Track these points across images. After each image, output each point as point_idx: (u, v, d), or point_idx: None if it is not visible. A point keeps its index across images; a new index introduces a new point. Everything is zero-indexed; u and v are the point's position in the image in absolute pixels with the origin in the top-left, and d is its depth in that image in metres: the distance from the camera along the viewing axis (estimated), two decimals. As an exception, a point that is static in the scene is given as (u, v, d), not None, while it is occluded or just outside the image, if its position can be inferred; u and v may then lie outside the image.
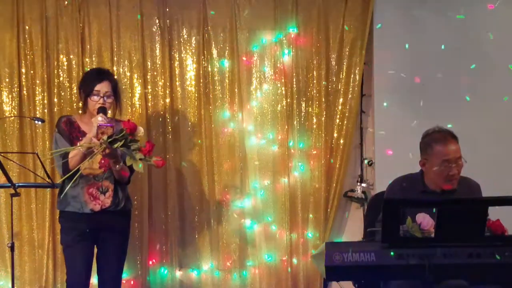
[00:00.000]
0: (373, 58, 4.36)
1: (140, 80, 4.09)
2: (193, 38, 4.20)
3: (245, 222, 4.29)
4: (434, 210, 2.50)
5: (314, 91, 4.33)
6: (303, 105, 4.34)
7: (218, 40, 4.24)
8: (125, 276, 3.85)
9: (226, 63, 4.25)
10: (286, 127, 4.30)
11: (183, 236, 4.21)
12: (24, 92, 3.98)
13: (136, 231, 4.04)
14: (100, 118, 3.03)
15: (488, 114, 4.29)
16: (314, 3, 4.31)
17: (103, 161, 3.05)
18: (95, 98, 3.16)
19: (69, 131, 3.20)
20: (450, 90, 4.33)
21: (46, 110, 3.97)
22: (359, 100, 4.40)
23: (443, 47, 4.31)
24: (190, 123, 4.21)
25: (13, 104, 3.97)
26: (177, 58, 4.19)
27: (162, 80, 4.15)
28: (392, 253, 2.41)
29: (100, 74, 3.25)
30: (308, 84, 4.34)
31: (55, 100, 4.00)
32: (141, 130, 3.02)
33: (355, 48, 4.32)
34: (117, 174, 3.17)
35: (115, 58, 4.08)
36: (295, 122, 4.32)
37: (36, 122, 3.69)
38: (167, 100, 4.14)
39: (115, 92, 3.25)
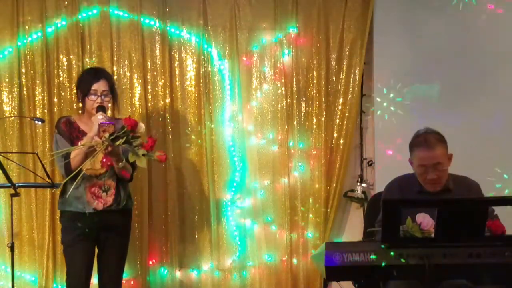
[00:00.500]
0: (373, 58, 4.36)
1: (140, 80, 4.09)
2: (193, 38, 4.20)
3: (245, 222, 4.29)
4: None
5: (314, 91, 4.33)
6: (303, 105, 4.34)
7: (218, 40, 4.24)
8: (125, 276, 3.84)
9: (226, 63, 4.25)
10: (286, 127, 4.30)
11: (183, 236, 4.21)
12: (24, 92, 3.98)
13: (136, 231, 4.04)
14: (100, 117, 3.04)
15: (489, 114, 4.29)
16: (314, 3, 4.31)
17: (105, 160, 3.05)
18: (93, 97, 3.16)
19: (69, 131, 3.20)
20: (451, 90, 4.33)
21: (46, 110, 3.97)
22: (359, 100, 4.40)
23: (443, 49, 4.31)
24: (190, 123, 4.21)
25: (13, 104, 3.97)
26: (177, 58, 4.19)
27: (162, 80, 4.14)
28: (392, 253, 2.41)
29: (97, 73, 3.25)
30: (308, 84, 4.35)
31: (55, 100, 4.00)
32: (142, 126, 3.02)
33: (355, 48, 4.32)
34: (119, 172, 3.17)
35: (115, 58, 4.08)
36: (295, 122, 4.32)
37: (36, 122, 3.69)
38: (167, 100, 4.14)
39: (112, 90, 3.25)
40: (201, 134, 4.20)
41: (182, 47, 4.20)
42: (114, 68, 4.07)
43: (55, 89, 3.99)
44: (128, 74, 4.10)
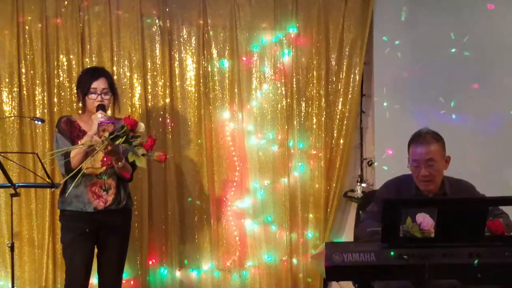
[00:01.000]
0: (373, 58, 4.36)
1: (140, 80, 4.09)
2: (193, 38, 4.20)
3: (245, 222, 4.29)
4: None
5: (314, 91, 4.33)
6: (303, 105, 4.35)
7: (218, 40, 4.24)
8: (125, 276, 3.84)
9: (226, 63, 4.25)
10: (286, 127, 4.30)
11: (183, 236, 4.21)
12: (24, 92, 3.98)
13: (136, 231, 4.04)
14: (99, 115, 3.03)
15: (489, 114, 4.29)
16: (314, 3, 4.31)
17: (105, 159, 3.05)
18: (93, 96, 3.16)
19: (70, 130, 3.20)
20: (450, 90, 4.33)
21: (46, 110, 3.96)
22: (359, 100, 4.41)
23: (442, 49, 4.31)
24: (190, 123, 4.21)
25: (13, 104, 3.97)
26: (177, 58, 4.19)
27: (162, 80, 4.14)
28: (392, 253, 2.41)
29: (95, 72, 3.25)
30: (308, 84, 4.35)
31: (55, 100, 4.00)
32: (141, 126, 3.02)
33: (355, 48, 4.32)
34: (119, 171, 3.17)
35: (115, 58, 4.08)
36: (295, 122, 4.32)
37: (36, 122, 3.68)
38: (167, 100, 4.14)
39: (112, 88, 3.25)
40: (201, 134, 4.20)
41: (182, 47, 4.20)
42: (114, 68, 4.06)
43: (55, 89, 3.99)
44: (128, 74, 4.10)
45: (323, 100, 4.32)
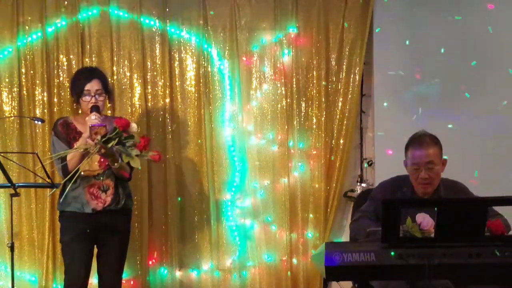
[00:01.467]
0: (373, 58, 4.36)
1: (140, 80, 4.09)
2: (193, 38, 4.20)
3: (245, 222, 4.29)
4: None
5: (314, 91, 4.33)
6: (303, 105, 4.35)
7: (218, 40, 4.24)
8: (125, 276, 3.84)
9: (226, 63, 4.25)
10: (286, 127, 4.30)
11: (183, 236, 4.21)
12: (24, 92, 3.98)
13: (136, 231, 4.04)
14: (93, 117, 3.03)
15: (488, 114, 4.29)
16: (314, 3, 4.31)
17: (102, 160, 3.04)
18: (87, 98, 3.16)
19: (66, 132, 3.21)
20: (450, 90, 4.33)
21: (46, 110, 3.97)
22: (359, 100, 4.41)
23: (442, 49, 4.31)
24: (190, 123, 4.21)
25: (13, 104, 3.97)
26: (177, 58, 4.19)
27: (162, 80, 4.14)
28: (392, 253, 2.41)
29: (89, 74, 3.25)
30: (308, 84, 4.35)
31: (55, 100, 4.00)
32: (134, 126, 3.02)
33: (355, 48, 4.32)
34: (117, 172, 3.17)
35: (115, 58, 4.08)
36: (295, 122, 4.32)
37: (36, 122, 3.69)
38: (167, 100, 4.14)
39: (106, 89, 3.25)
40: (201, 134, 4.20)
41: (182, 47, 4.20)
42: (114, 68, 4.07)
43: (55, 89, 3.99)
44: (128, 74, 4.10)
45: (323, 100, 4.32)
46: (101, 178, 3.19)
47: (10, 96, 3.98)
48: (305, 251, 4.35)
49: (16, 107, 3.97)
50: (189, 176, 4.22)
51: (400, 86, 4.35)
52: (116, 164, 3.07)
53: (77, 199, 3.16)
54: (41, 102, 3.98)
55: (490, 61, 4.32)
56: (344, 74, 4.34)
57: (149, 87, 4.14)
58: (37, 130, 3.98)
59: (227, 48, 4.24)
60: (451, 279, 2.68)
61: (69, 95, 3.98)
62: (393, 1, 4.36)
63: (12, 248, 3.27)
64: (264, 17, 4.28)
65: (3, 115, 3.96)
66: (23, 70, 3.98)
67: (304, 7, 4.31)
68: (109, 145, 2.91)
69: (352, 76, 4.34)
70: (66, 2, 4.00)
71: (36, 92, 3.99)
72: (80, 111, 3.34)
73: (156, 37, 4.14)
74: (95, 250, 3.29)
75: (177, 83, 4.19)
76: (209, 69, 4.22)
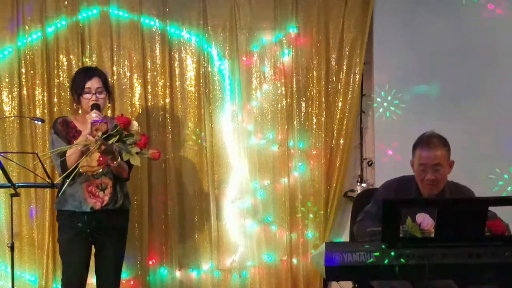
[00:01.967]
0: (373, 58, 4.36)
1: (140, 80, 4.09)
2: (193, 38, 4.20)
3: (245, 222, 4.29)
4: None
5: (314, 91, 4.34)
6: (303, 105, 4.35)
7: (218, 40, 4.24)
8: (125, 276, 3.85)
9: (226, 63, 4.25)
10: (286, 127, 4.30)
11: (183, 236, 4.21)
12: (24, 92, 3.97)
13: (136, 231, 4.04)
14: (94, 115, 3.04)
15: (488, 114, 4.29)
16: (314, 3, 4.31)
17: (101, 158, 3.05)
18: (87, 96, 3.17)
19: (66, 131, 3.20)
20: (450, 90, 4.33)
21: (46, 110, 3.96)
22: (359, 100, 4.41)
23: (442, 49, 4.31)
24: (190, 123, 4.21)
25: (13, 104, 3.97)
26: (177, 58, 4.19)
27: (162, 80, 4.14)
28: (392, 253, 2.41)
29: (89, 72, 3.26)
30: (308, 84, 4.35)
31: (55, 100, 3.99)
32: (135, 125, 3.02)
33: (355, 48, 4.32)
34: (116, 170, 3.17)
35: (115, 58, 4.08)
36: (295, 122, 4.32)
37: (36, 122, 3.69)
38: (167, 100, 4.14)
39: (106, 87, 3.25)
40: (201, 134, 4.20)
41: (182, 47, 4.20)
42: (114, 68, 4.06)
43: (55, 89, 3.99)
44: (128, 74, 4.09)
45: (323, 100, 4.32)
46: (100, 176, 3.19)
47: (10, 96, 3.97)
48: (305, 251, 4.35)
49: (16, 107, 3.96)
50: (189, 176, 4.22)
51: (400, 86, 4.35)
52: (115, 162, 3.07)
53: (75, 197, 3.15)
54: (41, 102, 3.98)
55: (491, 60, 4.32)
56: (344, 74, 4.34)
57: (149, 87, 4.14)
58: (37, 130, 3.97)
59: (227, 48, 4.25)
60: (452, 279, 2.68)
61: (69, 95, 4.00)
62: (393, 1, 4.37)
63: (12, 248, 3.27)
64: (264, 17, 4.28)
65: (3, 115, 3.96)
66: (23, 70, 3.97)
67: (304, 7, 4.31)
68: (110, 141, 2.92)
69: (352, 76, 4.34)
70: (66, 2, 3.99)
71: (36, 92, 3.98)
72: (80, 111, 3.34)
73: (156, 37, 4.14)
74: (93, 250, 3.28)
75: (177, 83, 4.19)
76: (209, 69, 4.22)
